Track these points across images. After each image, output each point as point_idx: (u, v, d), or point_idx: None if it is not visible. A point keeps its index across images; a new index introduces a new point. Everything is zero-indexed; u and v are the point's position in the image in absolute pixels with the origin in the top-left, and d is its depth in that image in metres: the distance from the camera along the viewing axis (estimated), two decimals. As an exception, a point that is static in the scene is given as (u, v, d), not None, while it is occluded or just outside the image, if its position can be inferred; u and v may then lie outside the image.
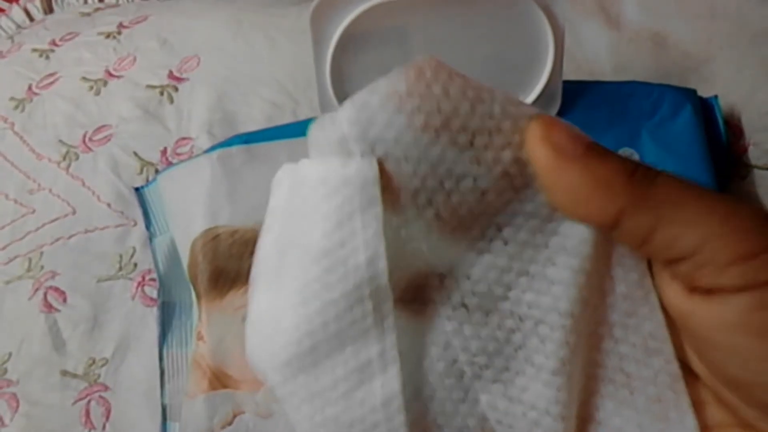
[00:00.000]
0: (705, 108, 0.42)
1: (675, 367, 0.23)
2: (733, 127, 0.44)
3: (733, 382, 0.21)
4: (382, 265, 0.21)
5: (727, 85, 0.44)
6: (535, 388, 0.23)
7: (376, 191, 0.20)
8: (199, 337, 0.36)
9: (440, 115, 0.20)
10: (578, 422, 0.24)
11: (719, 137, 0.42)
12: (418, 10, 0.35)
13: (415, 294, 0.23)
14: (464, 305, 0.22)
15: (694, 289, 0.21)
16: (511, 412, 0.24)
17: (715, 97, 0.42)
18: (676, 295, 0.22)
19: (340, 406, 0.23)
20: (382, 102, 0.20)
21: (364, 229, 0.21)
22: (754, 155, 0.43)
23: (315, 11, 0.35)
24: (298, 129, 0.41)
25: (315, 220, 0.21)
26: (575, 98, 0.41)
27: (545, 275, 0.22)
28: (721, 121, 0.42)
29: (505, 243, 0.22)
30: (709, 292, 0.21)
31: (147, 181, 0.44)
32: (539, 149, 0.21)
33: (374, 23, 0.35)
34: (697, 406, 0.23)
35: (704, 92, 0.43)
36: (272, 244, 0.23)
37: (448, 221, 0.21)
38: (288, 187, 0.24)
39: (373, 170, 0.20)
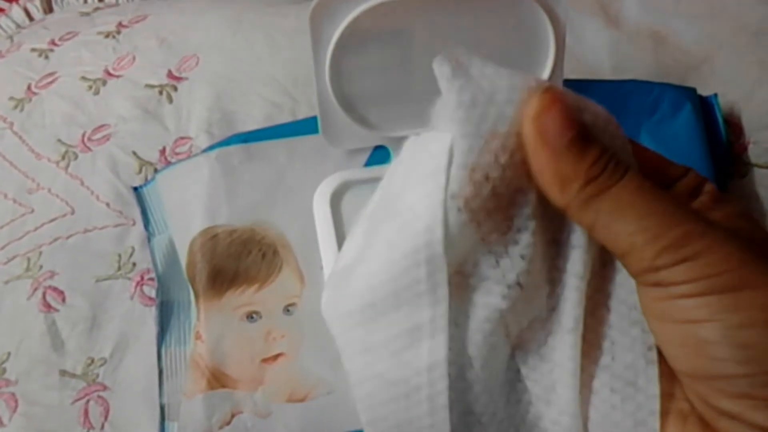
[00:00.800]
0: (705, 106, 0.42)
1: (649, 337, 0.24)
2: (733, 126, 0.43)
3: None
4: (439, 234, 0.23)
5: (727, 84, 0.44)
6: (560, 347, 0.25)
7: (443, 162, 0.23)
8: (198, 337, 0.36)
9: None
10: None
11: (719, 136, 0.42)
12: (418, 10, 0.35)
13: (472, 270, 0.24)
14: (519, 284, 0.24)
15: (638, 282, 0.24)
16: (539, 369, 0.26)
17: (715, 95, 0.42)
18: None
19: (388, 364, 0.25)
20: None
21: (429, 196, 0.23)
22: (754, 154, 0.43)
23: (314, 11, 0.35)
24: (296, 128, 0.41)
25: (405, 182, 0.24)
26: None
27: (569, 241, 0.25)
28: (720, 120, 0.42)
29: (542, 218, 0.24)
30: (641, 284, 0.23)
31: (146, 180, 0.44)
32: (527, 126, 0.23)
33: (374, 23, 0.35)
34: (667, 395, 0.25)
35: (704, 91, 0.42)
36: (373, 201, 0.26)
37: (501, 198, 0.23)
38: (407, 151, 0.26)
39: (446, 144, 0.23)
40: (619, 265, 0.25)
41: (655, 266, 0.22)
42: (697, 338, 0.22)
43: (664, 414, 0.25)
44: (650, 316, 0.24)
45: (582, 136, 0.22)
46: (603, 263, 0.26)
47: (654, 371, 0.25)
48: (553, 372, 0.26)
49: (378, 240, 0.24)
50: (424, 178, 0.23)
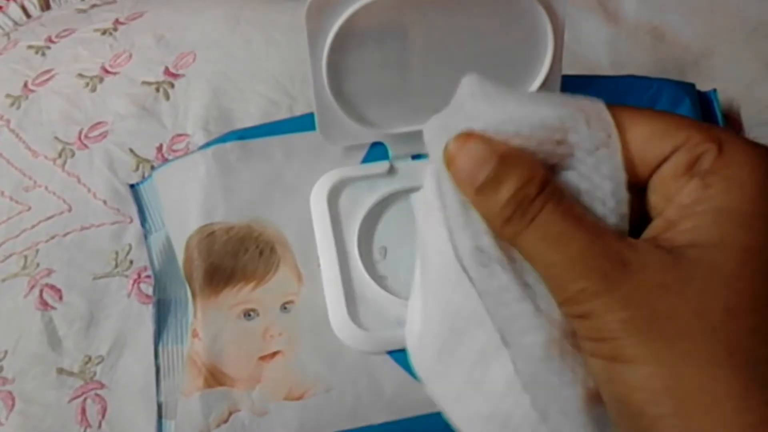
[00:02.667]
0: (703, 102, 0.42)
1: None
2: (732, 121, 0.43)
3: None
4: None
5: (725, 80, 0.44)
6: None
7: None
8: (195, 335, 0.36)
9: None
10: None
11: (718, 132, 0.42)
12: (415, 7, 0.35)
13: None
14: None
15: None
16: None
17: (714, 91, 0.42)
18: None
19: (478, 400, 0.25)
20: None
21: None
22: (753, 150, 0.42)
23: (310, 7, 0.35)
24: (293, 125, 0.41)
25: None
26: (573, 93, 0.41)
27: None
28: (719, 115, 0.42)
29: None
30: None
31: (143, 177, 0.44)
32: (449, 168, 0.24)
33: (370, 20, 0.35)
34: None
35: (703, 86, 0.42)
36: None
37: None
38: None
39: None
40: None
41: (564, 311, 0.23)
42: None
43: None
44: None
45: (493, 176, 0.23)
46: None
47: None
48: None
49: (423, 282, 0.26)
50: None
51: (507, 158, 0.23)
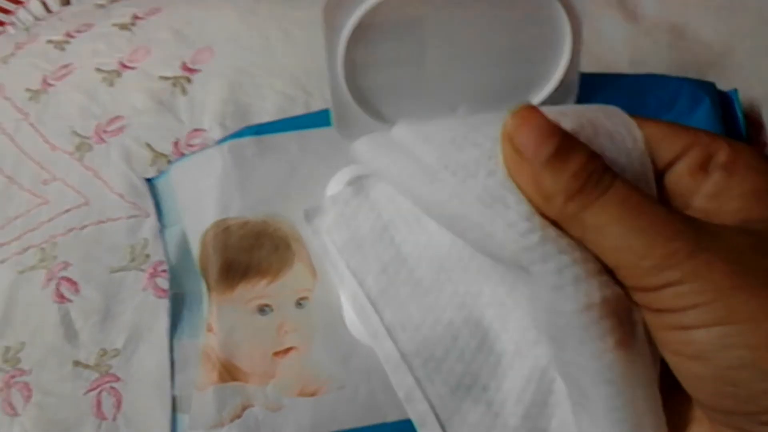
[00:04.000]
0: (724, 102, 0.41)
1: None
2: (754, 122, 0.43)
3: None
4: None
5: (747, 79, 0.44)
6: None
7: None
8: (209, 329, 0.36)
9: None
10: None
11: (738, 131, 0.41)
12: (432, 2, 0.35)
13: None
14: None
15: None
16: None
17: (735, 90, 0.42)
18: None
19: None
20: None
21: None
22: (774, 150, 0.42)
23: (328, 2, 0.35)
24: (309, 120, 0.41)
25: None
26: (592, 91, 0.41)
27: None
28: (740, 115, 0.41)
29: None
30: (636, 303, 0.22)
31: (159, 172, 0.44)
32: (504, 145, 0.23)
33: (388, 14, 0.35)
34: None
35: (723, 86, 0.42)
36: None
37: None
38: None
39: None
40: None
41: (642, 287, 0.21)
42: (691, 372, 0.21)
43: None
44: (653, 340, 0.23)
45: (560, 149, 0.22)
46: None
47: None
48: None
49: None
50: None
51: (569, 133, 0.23)
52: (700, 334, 0.20)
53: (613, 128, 0.25)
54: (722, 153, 0.24)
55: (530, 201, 0.23)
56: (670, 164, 0.24)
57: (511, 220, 0.23)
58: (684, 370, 0.21)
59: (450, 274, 0.31)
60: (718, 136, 0.24)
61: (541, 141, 0.22)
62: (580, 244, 0.22)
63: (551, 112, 0.24)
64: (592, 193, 0.22)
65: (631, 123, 0.25)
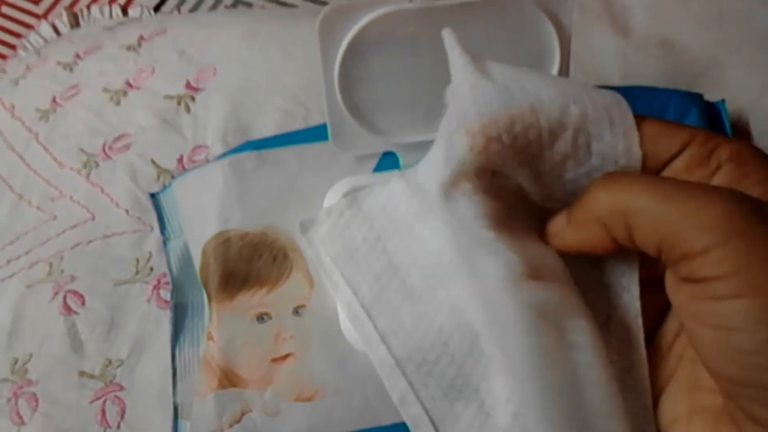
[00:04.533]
0: (712, 112, 0.42)
1: None
2: (741, 131, 0.44)
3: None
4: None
5: (735, 90, 0.45)
6: None
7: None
8: (210, 338, 0.37)
9: None
10: None
11: (726, 141, 0.42)
12: (424, 19, 0.36)
13: None
14: None
15: (680, 279, 0.23)
16: None
17: (722, 101, 0.43)
18: (670, 283, 0.24)
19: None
20: None
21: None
22: (762, 159, 0.43)
23: (323, 21, 0.36)
24: (307, 135, 0.42)
25: None
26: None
27: None
28: (728, 125, 0.42)
29: None
30: (676, 279, 0.23)
31: (163, 187, 0.45)
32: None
33: (381, 32, 0.36)
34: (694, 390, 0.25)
35: (712, 97, 0.43)
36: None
37: None
38: None
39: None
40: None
41: (684, 253, 0.21)
42: (731, 345, 0.21)
43: (690, 412, 0.25)
44: (685, 315, 0.23)
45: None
46: None
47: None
48: None
49: None
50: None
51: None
52: (744, 304, 0.20)
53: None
54: (724, 148, 0.24)
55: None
56: (668, 161, 0.25)
57: None
58: (723, 343, 0.21)
59: (441, 280, 0.31)
60: (714, 133, 0.25)
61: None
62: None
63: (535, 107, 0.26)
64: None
65: (634, 135, 0.26)
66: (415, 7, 0.36)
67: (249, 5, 0.68)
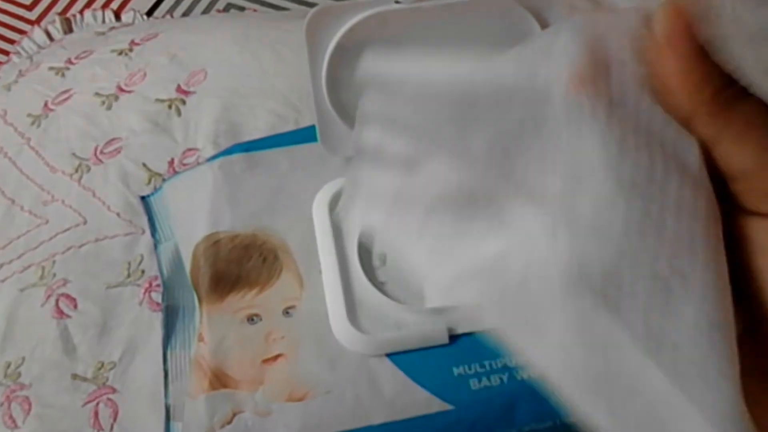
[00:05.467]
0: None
1: None
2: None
3: None
4: None
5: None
6: None
7: None
8: (200, 339, 0.38)
9: None
10: None
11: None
12: (409, 20, 0.36)
13: None
14: None
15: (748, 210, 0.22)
16: None
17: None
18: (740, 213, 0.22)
19: None
20: None
21: None
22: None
23: (310, 23, 0.36)
24: (297, 137, 0.42)
25: None
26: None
27: None
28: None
29: None
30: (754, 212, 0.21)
31: (154, 190, 0.45)
32: (663, 17, 0.21)
33: (368, 34, 0.36)
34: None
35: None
36: None
37: None
38: None
39: None
40: None
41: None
42: None
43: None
44: (760, 253, 0.22)
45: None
46: None
47: None
48: None
49: None
50: None
51: None
52: None
53: None
54: None
55: (670, 89, 0.22)
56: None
57: None
58: None
59: None
60: None
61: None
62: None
63: None
64: (739, 92, 0.21)
65: None
66: (402, 8, 0.36)
67: (241, 9, 0.69)
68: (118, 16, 0.69)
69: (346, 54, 0.37)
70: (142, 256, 0.44)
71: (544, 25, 0.38)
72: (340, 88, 0.38)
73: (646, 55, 0.22)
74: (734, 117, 0.21)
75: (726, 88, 0.21)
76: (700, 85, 0.21)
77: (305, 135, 0.42)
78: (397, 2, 0.36)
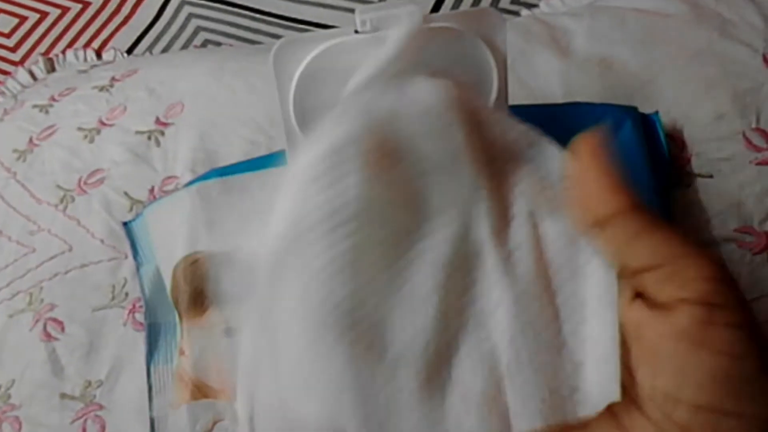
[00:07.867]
0: (646, 123, 0.45)
1: None
2: (677, 140, 0.47)
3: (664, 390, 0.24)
4: None
5: (669, 102, 0.48)
6: None
7: None
8: (181, 353, 0.40)
9: None
10: None
11: (661, 149, 0.45)
12: (368, 49, 0.39)
13: None
14: None
15: (651, 302, 0.25)
16: None
17: (656, 112, 0.46)
18: (635, 307, 0.25)
19: None
20: None
21: None
22: (696, 164, 0.46)
23: (277, 53, 0.39)
24: (268, 161, 0.45)
25: None
26: (523, 120, 0.45)
27: None
28: (662, 135, 0.45)
29: None
30: (661, 306, 0.24)
31: (136, 216, 0.47)
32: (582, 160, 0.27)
33: (331, 61, 0.39)
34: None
35: (648, 109, 0.46)
36: None
37: None
38: None
39: None
40: None
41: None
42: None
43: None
44: (651, 337, 0.25)
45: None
46: None
47: None
48: None
49: None
50: None
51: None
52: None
53: None
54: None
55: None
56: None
57: None
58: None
59: None
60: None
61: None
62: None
63: None
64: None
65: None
66: (361, 38, 0.39)
67: (218, 44, 0.71)
68: (99, 55, 0.71)
69: (312, 81, 0.39)
70: (125, 279, 0.46)
71: (494, 50, 0.41)
72: (308, 114, 0.40)
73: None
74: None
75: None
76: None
77: (275, 159, 0.44)
78: (356, 32, 0.39)
